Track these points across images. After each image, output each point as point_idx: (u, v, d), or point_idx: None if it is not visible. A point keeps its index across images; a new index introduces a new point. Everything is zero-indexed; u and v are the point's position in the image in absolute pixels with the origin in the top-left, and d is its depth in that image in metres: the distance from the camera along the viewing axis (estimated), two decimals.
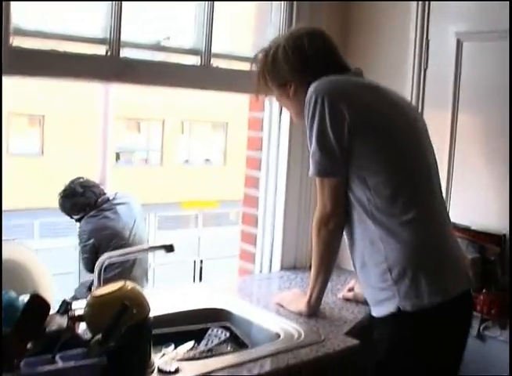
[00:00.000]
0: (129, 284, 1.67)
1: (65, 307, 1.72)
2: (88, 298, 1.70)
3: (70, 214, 4.64)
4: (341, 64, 2.05)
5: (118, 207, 4.59)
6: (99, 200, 4.58)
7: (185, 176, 17.61)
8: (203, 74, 2.58)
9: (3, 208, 1.84)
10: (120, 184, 16.23)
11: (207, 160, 19.05)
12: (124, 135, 17.69)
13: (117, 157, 17.35)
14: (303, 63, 2.02)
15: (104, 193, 4.69)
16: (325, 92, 1.89)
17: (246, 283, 2.88)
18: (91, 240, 4.43)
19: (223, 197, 18.24)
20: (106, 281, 1.84)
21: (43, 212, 15.01)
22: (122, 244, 4.39)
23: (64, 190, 4.60)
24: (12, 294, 1.69)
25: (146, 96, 16.08)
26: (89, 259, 4.45)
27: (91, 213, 4.54)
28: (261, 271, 3.05)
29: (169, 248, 2.00)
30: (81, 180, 4.69)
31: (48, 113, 15.21)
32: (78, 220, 4.63)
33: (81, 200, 4.54)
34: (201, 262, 18.72)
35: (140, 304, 1.64)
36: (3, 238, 1.94)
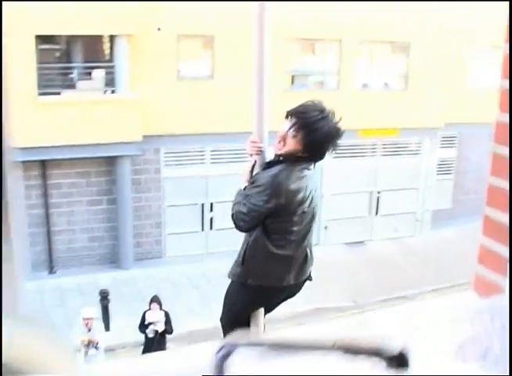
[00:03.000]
0: None
1: None
2: None
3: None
4: None
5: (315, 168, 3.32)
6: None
7: (362, 102, 16.37)
8: None
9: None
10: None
11: (386, 84, 17.61)
12: (299, 58, 16.71)
13: (292, 80, 16.46)
14: None
15: None
16: None
17: None
18: (281, 201, 3.11)
19: (403, 125, 16.95)
20: None
21: (214, 138, 14.62)
22: (304, 211, 3.23)
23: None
24: None
25: (321, 14, 14.92)
26: (256, 219, 3.17)
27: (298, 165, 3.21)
28: None
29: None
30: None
31: (218, 34, 14.54)
32: (271, 164, 3.26)
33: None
34: (378, 193, 17.76)
35: None
36: None
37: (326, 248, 16.45)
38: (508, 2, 1.98)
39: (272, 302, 3.44)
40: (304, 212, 3.21)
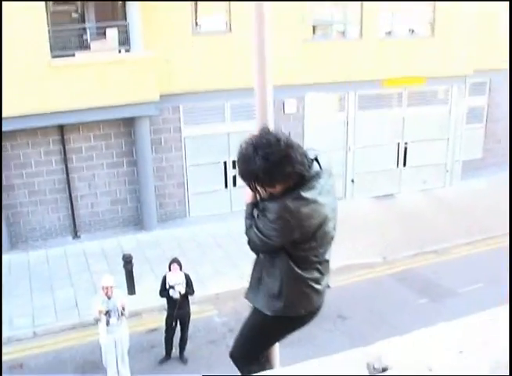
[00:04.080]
0: None
1: None
2: None
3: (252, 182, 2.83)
4: None
5: (322, 179, 2.83)
6: (307, 174, 2.79)
7: (387, 50, 15.76)
8: None
9: None
10: (317, 61, 15.04)
11: (412, 31, 16.89)
12: (320, 7, 16.03)
13: (314, 30, 15.84)
14: None
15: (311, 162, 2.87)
16: None
17: None
18: (296, 235, 2.79)
19: (430, 73, 16.32)
20: None
21: (234, 93, 14.16)
22: (326, 231, 2.89)
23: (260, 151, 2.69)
24: None
25: None
26: (271, 250, 2.93)
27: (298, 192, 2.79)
28: None
29: None
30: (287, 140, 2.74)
31: None
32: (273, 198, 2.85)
33: (286, 171, 2.70)
34: (406, 144, 17.25)
35: None
36: None
37: (353, 202, 16.11)
38: (508, 2, 1.69)
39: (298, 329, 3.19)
40: (325, 232, 2.88)
